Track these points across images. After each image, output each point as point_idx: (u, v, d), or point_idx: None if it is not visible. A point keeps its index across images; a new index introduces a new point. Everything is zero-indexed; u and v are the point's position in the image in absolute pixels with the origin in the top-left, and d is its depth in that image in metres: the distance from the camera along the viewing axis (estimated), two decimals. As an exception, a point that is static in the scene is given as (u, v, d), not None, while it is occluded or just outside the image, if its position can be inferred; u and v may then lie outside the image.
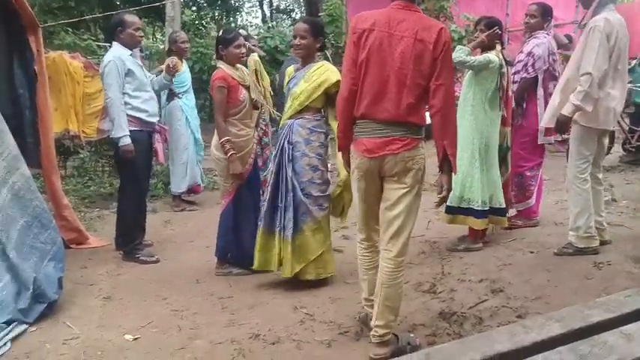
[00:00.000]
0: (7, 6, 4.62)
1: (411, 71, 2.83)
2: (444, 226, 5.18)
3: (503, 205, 4.77)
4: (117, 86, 4.53)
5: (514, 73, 5.12)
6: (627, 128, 8.15)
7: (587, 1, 4.31)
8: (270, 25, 16.99)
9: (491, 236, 5.00)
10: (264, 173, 5.26)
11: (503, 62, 4.64)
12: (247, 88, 4.43)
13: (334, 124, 3.76)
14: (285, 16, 29.33)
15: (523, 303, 3.69)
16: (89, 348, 3.30)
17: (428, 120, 2.96)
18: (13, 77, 4.80)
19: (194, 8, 20.83)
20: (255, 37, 10.98)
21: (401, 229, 2.96)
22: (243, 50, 4.49)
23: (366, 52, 2.88)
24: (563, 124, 4.19)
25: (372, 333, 3.06)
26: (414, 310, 3.65)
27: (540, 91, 5.12)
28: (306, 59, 4.00)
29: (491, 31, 4.65)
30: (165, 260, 4.89)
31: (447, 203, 4.70)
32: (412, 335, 3.24)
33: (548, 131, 5.11)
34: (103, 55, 5.28)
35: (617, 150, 8.32)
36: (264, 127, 5.98)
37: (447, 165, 2.95)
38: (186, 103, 6.62)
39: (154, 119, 4.88)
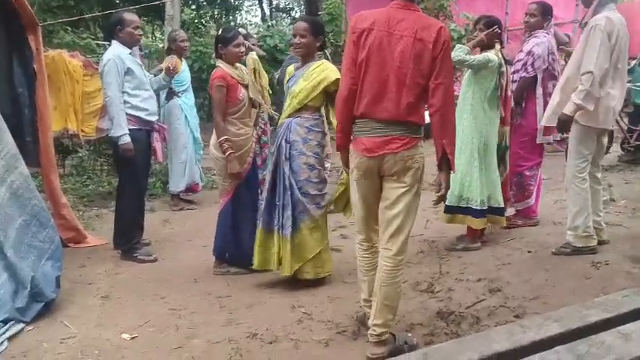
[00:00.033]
0: (7, 5, 4.62)
1: (411, 70, 2.84)
2: (442, 226, 5.18)
3: (502, 205, 4.77)
4: (116, 85, 4.52)
5: (513, 72, 5.12)
6: (626, 128, 8.15)
7: (588, 0, 4.31)
8: (269, 23, 16.99)
9: (489, 236, 5.01)
10: (263, 172, 5.27)
11: (503, 61, 4.64)
12: (246, 87, 4.43)
13: (335, 122, 3.76)
14: (284, 15, 29.32)
15: (521, 303, 3.69)
16: (86, 347, 3.29)
17: (427, 119, 2.96)
18: (13, 76, 4.79)
19: (193, 7, 20.81)
20: (255, 35, 10.97)
21: (400, 228, 2.97)
22: (243, 49, 4.49)
23: (366, 51, 2.88)
24: (564, 123, 4.19)
25: (369, 332, 3.06)
26: (412, 310, 3.65)
27: (539, 91, 5.12)
28: (306, 58, 3.99)
29: (490, 30, 4.65)
30: (164, 259, 4.89)
31: (446, 203, 4.71)
32: (410, 335, 3.23)
33: (547, 131, 5.11)
34: (102, 54, 5.29)
35: (616, 149, 8.32)
36: (262, 126, 5.98)
37: (445, 163, 2.96)
38: (186, 102, 6.61)
39: (153, 118, 4.87)
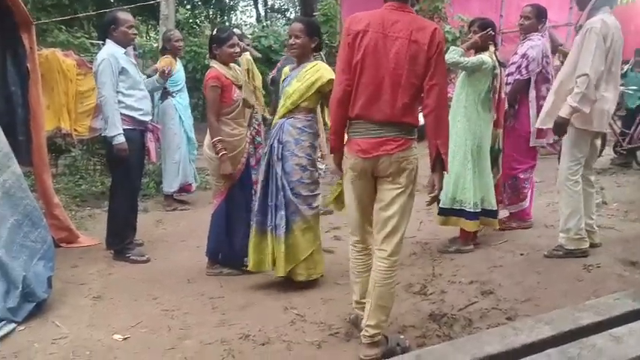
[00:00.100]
0: (1, 3, 4.59)
1: (406, 71, 2.85)
2: (435, 228, 5.19)
3: (495, 207, 4.78)
4: (111, 84, 4.51)
5: (507, 75, 5.13)
6: (619, 131, 8.19)
7: (583, 2, 4.32)
8: (264, 24, 17.02)
9: (482, 238, 5.02)
10: (256, 173, 5.26)
11: (497, 63, 4.66)
12: (241, 87, 4.43)
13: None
14: (279, 16, 29.35)
15: (513, 305, 3.70)
16: (78, 347, 3.28)
17: (421, 121, 2.97)
18: (6, 74, 4.77)
19: (188, 7, 20.77)
20: (250, 36, 10.98)
21: (395, 229, 2.97)
22: (237, 50, 4.48)
23: (361, 53, 2.89)
24: (561, 126, 4.20)
25: (362, 333, 3.06)
26: (405, 312, 3.65)
27: (532, 94, 5.13)
28: (301, 59, 4.00)
29: (484, 33, 4.66)
30: (156, 260, 4.88)
31: (440, 205, 4.73)
32: (402, 337, 3.23)
33: (540, 133, 5.13)
34: (96, 53, 5.27)
35: (609, 153, 8.36)
36: (256, 127, 5.98)
37: (439, 164, 2.97)
38: (180, 102, 6.60)
39: (147, 118, 4.86)
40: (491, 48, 4.72)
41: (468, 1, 12.56)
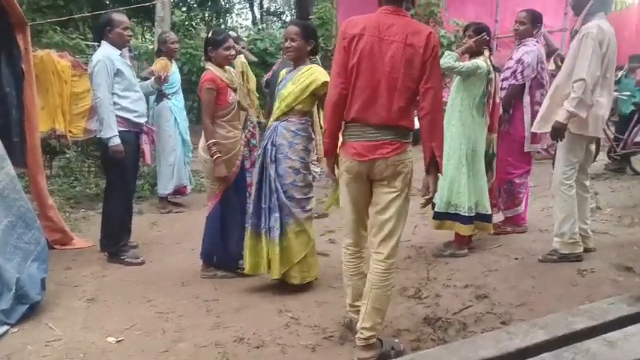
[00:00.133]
0: (-5, 4, 4.59)
1: (402, 75, 2.86)
2: (430, 232, 5.20)
3: (489, 212, 4.79)
4: (106, 86, 4.50)
5: (502, 80, 5.15)
6: (613, 136, 8.22)
7: (578, 8, 4.34)
8: (260, 27, 16.98)
9: (476, 242, 5.03)
10: (252, 175, 5.25)
11: (491, 68, 4.67)
12: (235, 90, 4.42)
13: None
14: (275, 19, 29.34)
15: (507, 309, 3.71)
16: (71, 350, 3.27)
17: (416, 125, 2.98)
18: (0, 75, 4.75)
19: (184, 9, 20.78)
20: (245, 39, 10.97)
21: (392, 232, 2.99)
22: (233, 52, 4.48)
23: (357, 56, 2.90)
24: (558, 131, 4.20)
25: (357, 336, 3.06)
26: (399, 315, 3.65)
27: (527, 99, 5.15)
28: (297, 62, 4.00)
29: (479, 37, 4.67)
30: (151, 262, 4.86)
31: (435, 209, 4.73)
32: (396, 340, 3.24)
33: (534, 139, 5.15)
34: (92, 55, 5.26)
35: (603, 158, 8.40)
36: (251, 129, 5.97)
37: (433, 167, 2.98)
38: (176, 104, 6.59)
39: (142, 120, 4.85)
40: (486, 52, 4.73)
41: (463, 6, 12.63)
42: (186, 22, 17.11)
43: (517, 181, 5.24)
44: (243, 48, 6.65)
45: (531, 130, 4.87)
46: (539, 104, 4.96)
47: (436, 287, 4.13)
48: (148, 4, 10.57)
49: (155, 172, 6.89)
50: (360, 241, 3.20)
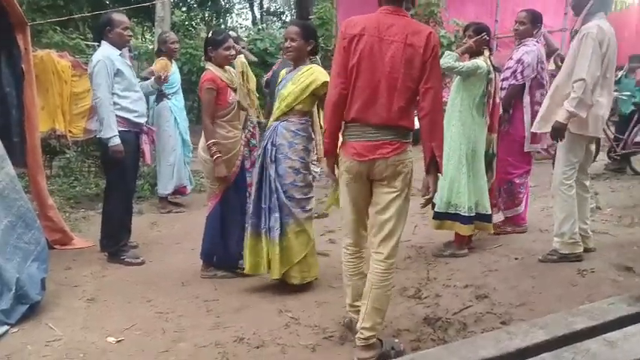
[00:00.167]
0: (-5, 4, 4.59)
1: (402, 75, 2.86)
2: (430, 232, 5.20)
3: (489, 212, 4.79)
4: (106, 86, 4.50)
5: (502, 80, 5.15)
6: (613, 137, 8.22)
7: (579, 8, 4.34)
8: (260, 27, 16.98)
9: (476, 242, 5.02)
10: (252, 175, 5.25)
11: (491, 68, 4.67)
12: (235, 90, 4.42)
13: None
14: (275, 19, 29.33)
15: (508, 309, 3.71)
16: (71, 350, 3.27)
17: (416, 125, 2.98)
18: (0, 75, 4.75)
19: (184, 9, 20.77)
20: (245, 39, 10.97)
21: (392, 232, 2.99)
22: (233, 52, 4.48)
23: (357, 56, 2.90)
24: (558, 131, 4.20)
25: (357, 336, 3.06)
26: (399, 315, 3.65)
27: (527, 99, 5.15)
28: (297, 62, 4.00)
29: (478, 37, 4.67)
30: (151, 262, 4.86)
31: (435, 209, 4.74)
32: (396, 340, 3.24)
33: (534, 139, 5.15)
34: (92, 55, 5.26)
35: (603, 158, 8.40)
36: (251, 129, 5.97)
37: (433, 166, 2.99)
38: (176, 104, 6.59)
39: (142, 120, 4.84)
40: (486, 52, 4.73)
41: (463, 6, 12.63)
42: (186, 22, 17.10)
43: (517, 181, 5.24)
44: (243, 48, 6.65)
45: (531, 130, 4.87)
46: (539, 104, 4.96)
47: (436, 287, 4.13)
48: (147, 4, 10.58)
49: (155, 172, 6.89)
50: (360, 241, 3.20)
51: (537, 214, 5.89)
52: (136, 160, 4.92)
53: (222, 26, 22.84)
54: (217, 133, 4.28)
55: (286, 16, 29.24)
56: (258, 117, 6.15)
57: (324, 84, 3.75)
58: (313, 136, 4.11)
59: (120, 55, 4.67)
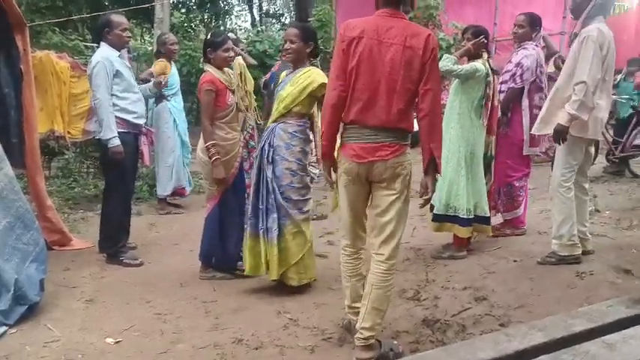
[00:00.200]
0: (-6, 5, 4.59)
1: (401, 77, 2.87)
2: (428, 234, 5.20)
3: (488, 214, 4.80)
4: (105, 87, 4.50)
5: (501, 83, 5.16)
6: (611, 140, 8.24)
7: (578, 11, 4.35)
8: (259, 29, 17.00)
9: (475, 244, 5.03)
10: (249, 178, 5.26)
11: (490, 71, 4.68)
12: (234, 91, 4.43)
13: None
14: (274, 21, 29.34)
15: (506, 311, 3.71)
16: (70, 351, 3.26)
17: (415, 127, 2.99)
18: (-1, 76, 4.76)
19: (183, 10, 20.75)
20: (244, 41, 10.98)
21: (393, 234, 3.00)
22: (232, 54, 4.48)
23: (356, 59, 2.90)
24: (560, 134, 4.21)
25: (356, 336, 3.06)
26: (398, 317, 3.65)
27: (526, 102, 5.15)
28: (297, 64, 4.01)
29: (476, 40, 4.68)
30: (150, 263, 4.86)
31: (434, 211, 4.74)
32: (395, 342, 3.24)
33: (533, 142, 5.16)
34: (91, 56, 5.26)
35: (601, 161, 8.41)
36: (250, 131, 5.98)
37: (432, 167, 2.99)
38: (175, 106, 6.59)
39: (142, 121, 4.85)
40: (485, 55, 4.74)
41: (462, 9, 12.65)
42: (186, 24, 17.03)
43: (517, 184, 5.24)
44: (243, 50, 6.65)
45: (531, 132, 4.87)
46: (538, 108, 4.98)
47: (435, 289, 4.13)
48: (147, 5, 10.59)
49: (154, 173, 6.89)
50: (358, 242, 3.21)
51: (536, 217, 5.90)
52: (134, 162, 4.92)
53: (222, 28, 22.83)
54: (216, 134, 4.28)
55: (285, 18, 29.28)
56: (256, 119, 6.16)
57: (322, 85, 3.76)
58: (312, 138, 4.11)
59: (119, 56, 4.67)
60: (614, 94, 6.95)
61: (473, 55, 4.72)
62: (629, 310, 2.46)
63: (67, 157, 7.77)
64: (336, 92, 2.97)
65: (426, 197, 3.06)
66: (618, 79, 8.60)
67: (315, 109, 4.13)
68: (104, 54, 4.55)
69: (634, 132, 8.03)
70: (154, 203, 6.85)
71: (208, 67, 4.34)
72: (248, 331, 3.49)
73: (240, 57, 5.83)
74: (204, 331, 3.54)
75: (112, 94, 4.55)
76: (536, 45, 5.21)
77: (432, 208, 4.76)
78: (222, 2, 24.75)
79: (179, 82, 6.77)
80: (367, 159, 2.94)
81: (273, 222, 3.94)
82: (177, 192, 6.75)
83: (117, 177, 4.70)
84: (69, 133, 6.70)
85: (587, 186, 4.63)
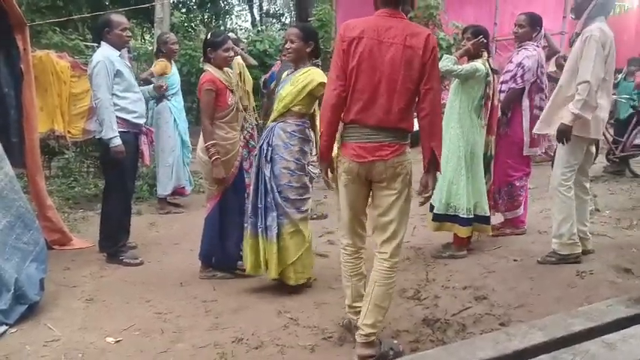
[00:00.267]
0: (-5, 4, 4.59)
1: (402, 77, 2.88)
2: (428, 233, 5.20)
3: (488, 214, 4.80)
4: (106, 87, 4.50)
5: (502, 83, 5.15)
6: (611, 139, 8.24)
7: (579, 11, 4.34)
8: (259, 28, 17.00)
9: (475, 244, 5.03)
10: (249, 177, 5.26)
11: (490, 71, 4.68)
12: (234, 91, 4.43)
13: None
14: (274, 21, 29.35)
15: (506, 311, 3.71)
16: (70, 350, 3.27)
17: (415, 127, 3.00)
18: (-1, 76, 4.76)
19: (183, 10, 20.77)
20: (245, 40, 10.98)
21: (395, 233, 3.02)
22: (232, 54, 4.48)
23: (357, 59, 2.91)
24: (564, 133, 4.20)
25: (358, 332, 3.07)
26: (398, 316, 3.65)
27: (526, 102, 5.14)
28: (297, 63, 4.01)
29: (476, 40, 4.68)
30: (150, 263, 4.86)
31: (434, 211, 4.74)
32: (395, 341, 3.24)
33: (533, 142, 5.16)
34: (91, 55, 5.26)
35: (602, 160, 8.40)
36: (250, 130, 5.98)
37: (432, 166, 3.00)
38: (175, 105, 6.59)
39: (142, 121, 4.85)
40: (485, 55, 4.74)
41: (462, 9, 12.65)
42: (186, 24, 17.05)
43: (517, 184, 5.24)
44: (243, 50, 6.65)
45: (533, 132, 4.87)
46: (538, 108, 4.99)
47: (435, 288, 4.13)
48: (147, 5, 10.59)
49: (154, 172, 6.89)
50: (358, 241, 3.21)
51: (536, 216, 5.90)
52: (135, 161, 4.92)
53: (222, 28, 22.83)
54: (216, 134, 4.28)
55: (285, 18, 29.29)
56: (256, 118, 6.16)
57: (321, 85, 3.77)
58: (311, 138, 4.11)
59: (119, 56, 4.67)
60: (614, 94, 6.95)
61: (473, 55, 4.72)
62: (628, 310, 2.46)
63: (67, 156, 7.77)
64: (336, 92, 2.97)
65: (426, 195, 3.07)
66: (618, 79, 8.61)
67: (315, 108, 4.13)
68: (105, 54, 4.55)
69: (634, 131, 8.02)
70: (154, 203, 6.86)
71: (208, 67, 4.34)
72: (248, 330, 3.49)
73: (239, 57, 5.83)
74: (204, 330, 3.54)
75: (113, 94, 4.55)
76: (537, 45, 5.20)
77: (431, 208, 4.77)
78: (223, 2, 24.78)
79: (179, 82, 6.77)
80: (367, 159, 2.94)
81: (273, 220, 3.94)
82: (178, 191, 6.76)
83: (117, 176, 4.70)
84: (69, 132, 6.71)
85: (587, 185, 4.63)
